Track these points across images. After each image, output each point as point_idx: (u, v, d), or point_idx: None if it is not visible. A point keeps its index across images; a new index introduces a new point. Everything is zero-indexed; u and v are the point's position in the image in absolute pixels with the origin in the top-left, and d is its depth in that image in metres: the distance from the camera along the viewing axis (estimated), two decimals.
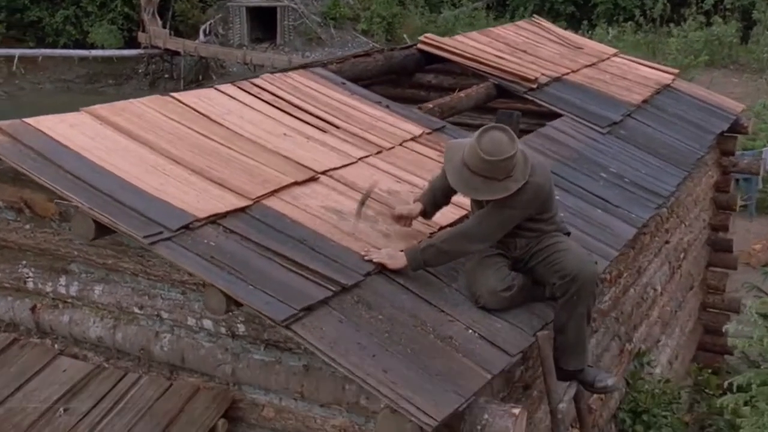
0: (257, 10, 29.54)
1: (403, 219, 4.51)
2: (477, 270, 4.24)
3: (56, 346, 4.56)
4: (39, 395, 4.23)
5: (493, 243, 4.25)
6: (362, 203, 4.45)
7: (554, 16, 28.41)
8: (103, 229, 3.82)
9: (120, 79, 30.13)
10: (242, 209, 4.22)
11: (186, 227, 3.90)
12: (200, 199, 4.14)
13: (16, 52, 29.36)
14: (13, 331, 4.64)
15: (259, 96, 5.60)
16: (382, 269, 4.13)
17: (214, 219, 4.05)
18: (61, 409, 4.12)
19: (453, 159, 4.17)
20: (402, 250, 4.18)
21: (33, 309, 4.54)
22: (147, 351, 4.29)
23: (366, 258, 4.13)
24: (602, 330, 5.95)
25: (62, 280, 4.47)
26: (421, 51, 7.74)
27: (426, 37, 7.81)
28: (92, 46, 29.84)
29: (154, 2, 29.66)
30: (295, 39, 29.29)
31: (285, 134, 5.18)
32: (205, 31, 29.52)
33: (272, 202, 4.38)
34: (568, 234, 4.52)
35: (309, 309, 3.68)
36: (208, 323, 4.14)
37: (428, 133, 5.91)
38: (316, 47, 28.71)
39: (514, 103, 7.87)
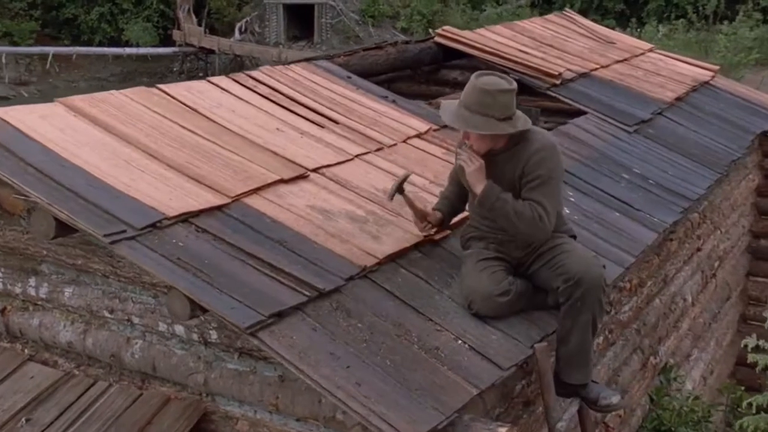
0: (294, 8, 29.45)
1: (426, 220, 4.32)
2: (471, 273, 4.04)
3: (26, 351, 4.42)
4: (3, 404, 4.09)
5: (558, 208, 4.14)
6: (398, 188, 4.25)
7: (602, 14, 27.98)
8: (64, 227, 3.67)
9: (154, 78, 30.20)
10: (219, 207, 4.05)
11: (153, 226, 3.74)
12: (173, 197, 3.97)
13: (51, 50, 29.58)
14: None
15: (254, 89, 5.43)
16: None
17: (186, 217, 3.89)
18: (23, 420, 3.97)
19: (449, 108, 4.09)
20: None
21: (2, 311, 4.41)
22: (118, 358, 4.13)
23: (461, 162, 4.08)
24: (621, 342, 5.68)
25: (32, 281, 4.33)
26: (439, 45, 7.52)
27: (444, 30, 7.61)
28: (127, 44, 29.99)
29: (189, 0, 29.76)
30: (333, 37, 29.16)
31: (278, 129, 5.01)
32: (240, 28, 29.50)
33: (253, 201, 4.21)
34: (574, 237, 4.28)
35: (279, 315, 3.50)
36: (180, 329, 3.97)
37: (435, 130, 5.71)
38: (353, 46, 28.58)
39: (541, 100, 7.64)
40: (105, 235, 3.55)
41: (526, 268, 4.14)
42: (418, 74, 7.62)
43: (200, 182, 4.18)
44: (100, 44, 30.38)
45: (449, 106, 4.08)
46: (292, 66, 5.99)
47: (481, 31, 8.06)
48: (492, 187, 3.99)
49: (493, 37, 7.82)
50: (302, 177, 4.56)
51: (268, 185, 4.36)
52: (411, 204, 4.28)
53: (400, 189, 4.23)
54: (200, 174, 4.24)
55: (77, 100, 4.56)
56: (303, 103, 5.43)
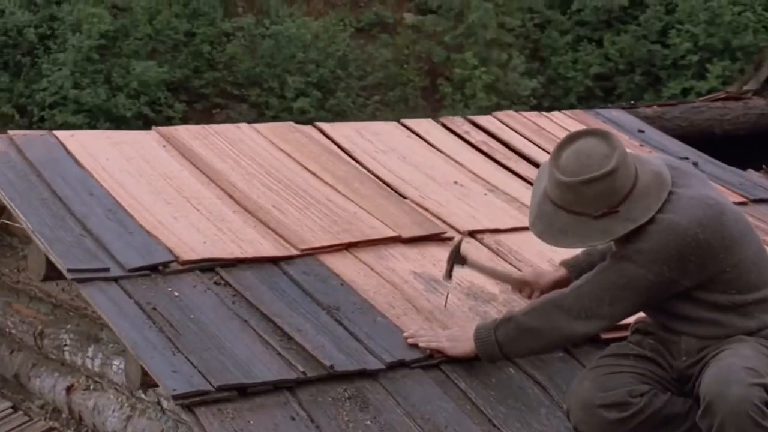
0: None
1: (527, 289, 3.97)
2: (584, 371, 3.56)
3: None
4: None
5: (606, 324, 3.57)
6: (455, 259, 3.99)
7: None
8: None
9: None
10: (273, 259, 4.04)
11: (153, 269, 3.84)
12: (214, 241, 4.06)
13: None
14: (52, 418, 4.87)
15: (464, 136, 5.38)
16: (439, 355, 3.72)
17: (213, 266, 3.93)
18: None
19: (538, 188, 3.59)
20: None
21: (68, 389, 4.73)
22: None
23: (410, 341, 3.70)
24: None
25: (90, 351, 4.60)
26: None
27: None
28: None
29: None
30: None
31: (455, 183, 4.87)
32: None
33: (333, 258, 4.15)
34: None
35: (241, 390, 3.37)
36: None
37: (740, 203, 5.07)
38: None
39: None
40: (70, 270, 3.72)
41: (692, 386, 3.49)
42: None
43: (273, 230, 4.21)
44: None
45: (539, 188, 3.57)
46: (553, 114, 5.80)
47: None
48: (479, 329, 3.66)
49: None
50: (436, 238, 4.37)
51: (371, 242, 4.26)
52: (488, 271, 3.96)
53: (458, 259, 3.89)
54: (281, 221, 4.28)
55: (182, 129, 4.88)
56: (528, 157, 5.22)
